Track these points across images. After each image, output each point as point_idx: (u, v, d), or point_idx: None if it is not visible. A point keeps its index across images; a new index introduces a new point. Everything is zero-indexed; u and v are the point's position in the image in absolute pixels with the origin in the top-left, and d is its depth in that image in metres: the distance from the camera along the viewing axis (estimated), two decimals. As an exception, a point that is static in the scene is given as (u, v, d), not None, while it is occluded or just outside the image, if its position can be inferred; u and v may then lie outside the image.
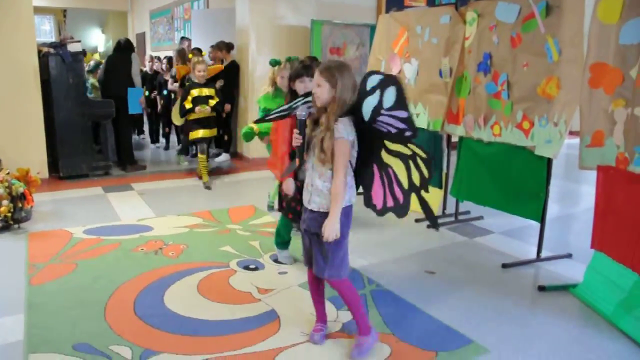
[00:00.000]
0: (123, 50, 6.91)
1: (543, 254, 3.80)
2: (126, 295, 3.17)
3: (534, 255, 3.81)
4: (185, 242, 4.09)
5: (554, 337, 2.77)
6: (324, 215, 2.40)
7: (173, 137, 8.55)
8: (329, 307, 3.04)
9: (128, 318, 2.89)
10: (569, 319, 2.94)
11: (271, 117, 2.83)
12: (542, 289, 3.31)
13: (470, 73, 4.08)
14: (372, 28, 6.64)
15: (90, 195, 5.58)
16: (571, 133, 3.80)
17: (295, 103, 2.70)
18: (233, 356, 2.55)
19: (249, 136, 4.35)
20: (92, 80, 6.96)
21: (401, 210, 2.45)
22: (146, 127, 9.12)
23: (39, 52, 5.98)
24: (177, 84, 7.41)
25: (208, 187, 5.96)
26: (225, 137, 7.49)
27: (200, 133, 5.94)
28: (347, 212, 2.45)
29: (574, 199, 5.87)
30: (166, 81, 7.75)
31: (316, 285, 2.70)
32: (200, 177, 6.18)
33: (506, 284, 3.42)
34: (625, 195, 2.89)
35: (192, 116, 5.90)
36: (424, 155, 2.35)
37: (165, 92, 7.78)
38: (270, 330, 2.79)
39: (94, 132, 6.68)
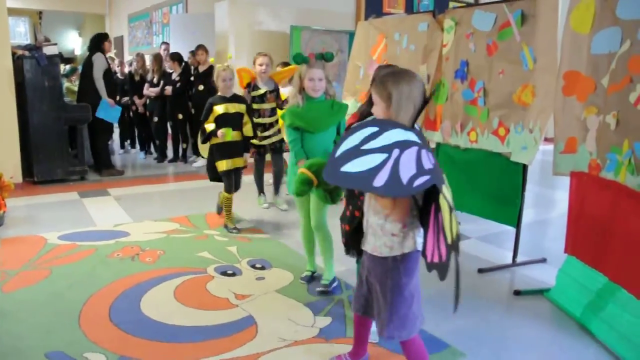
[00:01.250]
0: (90, 50, 6.69)
1: (518, 259, 3.85)
2: (102, 301, 3.12)
3: (509, 260, 3.86)
4: (162, 247, 4.05)
5: (529, 340, 2.80)
6: (382, 261, 2.04)
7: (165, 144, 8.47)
8: (306, 312, 3.05)
9: (103, 325, 2.85)
10: (543, 323, 2.98)
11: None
12: (517, 293, 3.35)
13: (448, 80, 4.12)
14: (351, 34, 6.68)
15: (65, 201, 5.50)
16: (546, 140, 3.86)
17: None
18: (210, 362, 2.53)
19: (305, 186, 2.88)
20: (67, 85, 6.88)
21: (442, 270, 1.78)
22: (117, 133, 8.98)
23: (14, 54, 5.89)
24: (154, 89, 7.36)
25: (235, 230, 4.51)
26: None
27: (224, 164, 4.42)
28: (415, 258, 2.05)
29: (548, 204, 5.96)
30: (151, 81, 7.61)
31: (363, 327, 2.39)
32: (225, 218, 4.63)
33: (482, 288, 3.46)
34: (597, 200, 2.95)
35: (215, 140, 4.39)
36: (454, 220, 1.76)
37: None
38: (248, 336, 2.78)
39: (70, 136, 6.59)
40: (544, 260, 3.92)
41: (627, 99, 2.70)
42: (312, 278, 3.47)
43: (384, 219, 2.02)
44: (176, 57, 7.36)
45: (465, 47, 3.92)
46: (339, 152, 1.72)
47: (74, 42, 17.81)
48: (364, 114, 2.53)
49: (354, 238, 2.37)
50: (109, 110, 6.61)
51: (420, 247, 2.00)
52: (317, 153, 3.17)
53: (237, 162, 4.46)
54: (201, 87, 7.17)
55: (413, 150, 1.75)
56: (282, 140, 5.05)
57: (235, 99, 4.45)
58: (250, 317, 2.98)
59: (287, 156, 4.48)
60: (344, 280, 3.49)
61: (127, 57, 10.87)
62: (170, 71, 7.45)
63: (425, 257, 1.92)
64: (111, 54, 9.50)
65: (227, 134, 4.32)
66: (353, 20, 7.78)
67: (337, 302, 3.18)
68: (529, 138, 3.43)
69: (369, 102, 2.34)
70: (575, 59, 3.07)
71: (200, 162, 7.41)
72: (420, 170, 1.74)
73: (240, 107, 4.43)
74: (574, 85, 3.08)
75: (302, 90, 3.19)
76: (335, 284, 3.35)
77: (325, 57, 3.24)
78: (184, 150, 7.75)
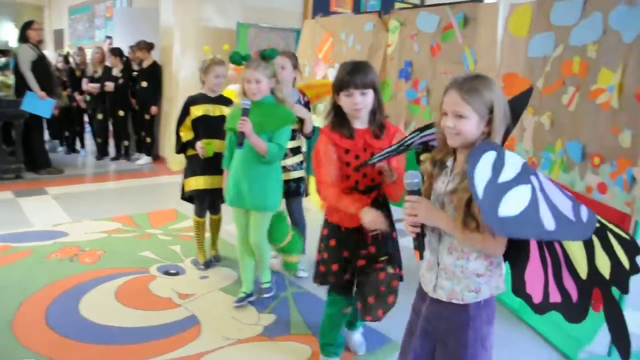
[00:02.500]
0: (18, 41, 6.35)
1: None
2: (37, 305, 3.00)
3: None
4: (102, 247, 3.93)
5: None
6: (457, 309, 1.64)
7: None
8: (250, 310, 3.03)
9: (38, 329, 2.74)
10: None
11: (374, 160, 2.04)
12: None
13: (392, 79, 4.19)
14: (298, 32, 6.69)
15: (-1, 200, 5.26)
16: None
17: (411, 138, 1.95)
18: (151, 364, 2.48)
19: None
20: (1, 78, 6.57)
21: (574, 312, 1.51)
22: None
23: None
24: (94, 84, 7.11)
25: (203, 267, 3.66)
26: (148, 140, 7.29)
27: (192, 183, 3.49)
28: (494, 300, 1.69)
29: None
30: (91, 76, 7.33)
31: None
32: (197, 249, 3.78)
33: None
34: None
35: (191, 152, 3.49)
36: (622, 234, 1.42)
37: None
38: (191, 336, 2.74)
39: (6, 132, 6.29)
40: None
41: (560, 101, 2.83)
42: (246, 299, 3.10)
43: (466, 257, 1.61)
44: (117, 53, 7.16)
45: (410, 48, 3.99)
46: (479, 192, 1.33)
47: (9, 34, 17.03)
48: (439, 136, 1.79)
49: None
50: (37, 103, 6.14)
51: (498, 291, 1.66)
52: (240, 159, 2.91)
53: (215, 181, 3.36)
54: (144, 84, 7.01)
55: (540, 174, 1.46)
56: (301, 179, 3.50)
57: (221, 100, 3.48)
58: (193, 317, 2.94)
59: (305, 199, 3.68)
60: (289, 277, 3.49)
61: (68, 51, 10.50)
62: (111, 67, 7.23)
63: (525, 298, 1.64)
64: (69, 49, 9.11)
65: (208, 149, 3.33)
66: (300, 18, 7.77)
67: (282, 299, 3.19)
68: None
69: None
70: (513, 61, 3.19)
71: (144, 160, 7.24)
72: (568, 196, 1.45)
73: (226, 111, 3.34)
74: (512, 86, 3.18)
75: (244, 91, 2.86)
76: (274, 280, 3.30)
77: (264, 56, 2.87)
78: (126, 148, 7.55)
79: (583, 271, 1.45)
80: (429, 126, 1.87)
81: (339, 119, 2.20)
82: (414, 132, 1.95)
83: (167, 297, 3.16)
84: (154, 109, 7.06)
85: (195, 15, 6.95)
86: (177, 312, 2.99)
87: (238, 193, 2.94)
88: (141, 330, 2.77)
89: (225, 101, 3.46)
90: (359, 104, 2.12)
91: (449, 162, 1.65)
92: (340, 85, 2.12)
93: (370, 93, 2.14)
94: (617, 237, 1.39)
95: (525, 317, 3.03)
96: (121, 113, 7.27)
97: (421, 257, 1.62)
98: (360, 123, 2.21)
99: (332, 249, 2.31)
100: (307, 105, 3.48)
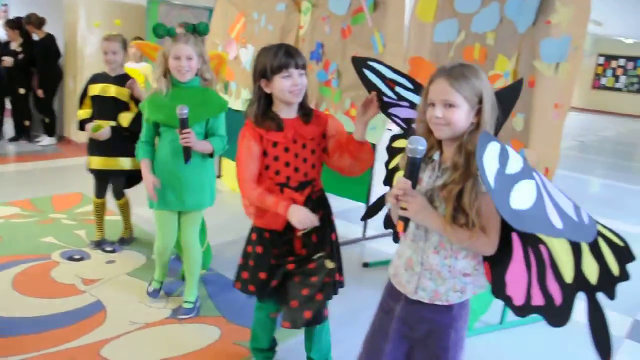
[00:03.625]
0: None
1: (368, 233, 4.08)
2: None
3: (360, 235, 4.07)
4: (-1, 233, 3.71)
5: (374, 306, 2.99)
6: (439, 310, 1.58)
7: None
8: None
9: None
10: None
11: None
12: (365, 265, 3.55)
13: (304, 61, 4.20)
14: (211, 11, 6.53)
15: None
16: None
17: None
18: (54, 353, 2.39)
19: None
20: None
21: (556, 315, 1.45)
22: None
23: None
24: (10, 59, 6.55)
25: (101, 248, 3.56)
26: (47, 120, 6.88)
27: (90, 161, 3.41)
28: (469, 302, 1.64)
29: (399, 182, 6.33)
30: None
31: None
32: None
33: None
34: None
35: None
36: (613, 238, 1.34)
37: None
38: (96, 322, 2.66)
39: None
40: (391, 234, 4.19)
41: (461, 85, 2.96)
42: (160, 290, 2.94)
43: (455, 256, 1.55)
44: (14, 25, 6.63)
45: (321, 30, 4.02)
46: (491, 180, 1.24)
47: None
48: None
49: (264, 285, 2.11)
50: None
51: (479, 290, 1.61)
52: (166, 156, 2.60)
53: (111, 162, 3.35)
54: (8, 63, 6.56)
55: (539, 172, 1.41)
56: None
57: (120, 80, 3.31)
58: (98, 302, 2.85)
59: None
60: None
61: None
62: (9, 40, 6.73)
63: (506, 299, 1.58)
64: None
65: (96, 128, 3.27)
66: (213, -5, 7.60)
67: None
68: (378, 119, 3.58)
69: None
70: (419, 46, 3.29)
71: (48, 141, 6.84)
72: (568, 198, 1.40)
73: (122, 92, 3.29)
74: (418, 70, 3.29)
75: (167, 72, 2.53)
76: (198, 304, 2.87)
77: (198, 30, 2.61)
78: (27, 128, 7.09)
79: (568, 275, 1.40)
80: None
81: (265, 109, 1.99)
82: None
83: (70, 284, 3.04)
84: (39, 92, 6.65)
85: (100, -11, 6.61)
86: (81, 299, 2.88)
87: (168, 194, 2.64)
88: (42, 319, 2.65)
89: (121, 81, 3.31)
90: (299, 85, 1.94)
91: (436, 156, 1.55)
92: (279, 66, 1.91)
93: (305, 75, 1.98)
94: (609, 243, 1.33)
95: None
96: (22, 91, 6.78)
97: (405, 229, 1.49)
98: (288, 112, 2.01)
99: (259, 256, 2.11)
100: None
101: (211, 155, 2.64)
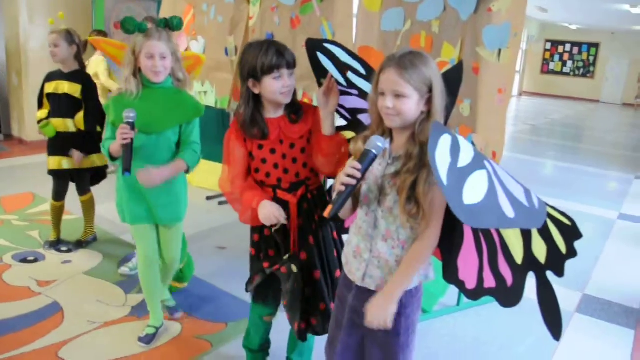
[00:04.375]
0: None
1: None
2: None
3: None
4: (-54, 238, 3.60)
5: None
6: None
7: None
8: (117, 291, 2.96)
9: None
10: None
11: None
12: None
13: (256, 52, 4.19)
14: (159, 3, 6.42)
15: None
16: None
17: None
18: (9, 358, 2.34)
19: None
20: None
21: (508, 296, 1.47)
22: None
23: None
24: None
25: (55, 249, 3.51)
26: None
27: (49, 162, 3.35)
28: (422, 291, 1.65)
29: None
30: None
31: None
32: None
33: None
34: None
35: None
36: (561, 218, 1.35)
37: None
38: (53, 324, 2.62)
39: None
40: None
41: (410, 73, 3.02)
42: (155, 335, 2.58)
43: (401, 246, 1.54)
44: None
45: (271, 20, 4.01)
46: (443, 178, 1.21)
47: None
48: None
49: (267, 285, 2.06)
50: None
51: (429, 278, 1.61)
52: (138, 163, 2.25)
53: (66, 160, 3.32)
54: None
55: (489, 159, 1.42)
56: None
57: (73, 76, 3.26)
58: (55, 304, 2.81)
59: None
60: (159, 256, 3.44)
61: None
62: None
63: (458, 284, 1.59)
64: None
65: (47, 131, 3.24)
66: (162, -13, 7.46)
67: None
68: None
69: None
70: (368, 35, 3.33)
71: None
72: (519, 182, 1.41)
73: (74, 89, 3.24)
74: (367, 58, 3.27)
75: (137, 72, 2.28)
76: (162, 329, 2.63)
77: (171, 25, 2.34)
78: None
79: (518, 256, 1.41)
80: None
81: (253, 112, 1.90)
82: None
83: (24, 286, 2.98)
84: None
85: (43, -18, 6.41)
86: (36, 301, 2.83)
87: (141, 207, 2.42)
88: (-5, 324, 2.60)
89: (75, 78, 3.27)
90: (289, 86, 1.87)
91: (386, 144, 1.52)
92: (270, 66, 1.82)
93: (293, 74, 1.92)
94: (557, 222, 1.34)
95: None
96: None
97: (331, 215, 1.43)
98: (275, 111, 1.94)
99: (252, 258, 2.10)
100: None
101: (187, 171, 2.39)
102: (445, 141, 1.30)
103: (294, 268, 1.96)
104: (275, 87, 1.84)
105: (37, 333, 2.54)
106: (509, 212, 1.26)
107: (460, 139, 1.38)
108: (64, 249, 3.49)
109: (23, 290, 2.94)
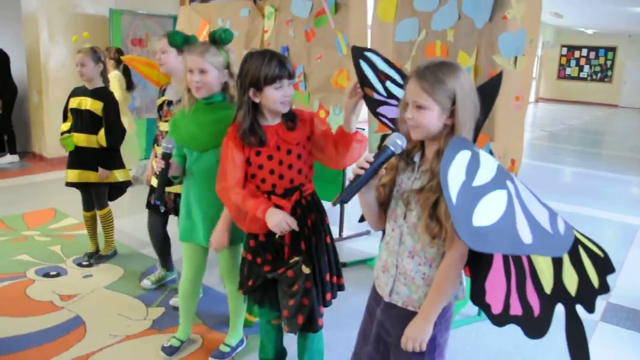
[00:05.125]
0: None
1: (344, 233, 4.13)
2: None
3: (336, 235, 4.12)
4: (-29, 254, 3.66)
5: (353, 306, 3.03)
6: (411, 317, 1.53)
7: None
8: (138, 305, 2.98)
9: None
10: (366, 289, 3.24)
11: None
12: (343, 265, 3.59)
13: (271, 65, 4.22)
14: (175, 19, 6.51)
15: None
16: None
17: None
18: (33, 371, 2.38)
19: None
20: None
21: (534, 327, 1.38)
22: None
23: None
24: None
25: (87, 262, 3.57)
26: (6, 137, 6.76)
27: (67, 175, 3.44)
28: (451, 306, 1.59)
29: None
30: None
31: None
32: None
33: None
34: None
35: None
36: (593, 248, 1.25)
37: None
38: (76, 338, 2.65)
39: None
40: (367, 233, 4.25)
41: (426, 83, 3.02)
42: (177, 351, 2.56)
43: (429, 264, 1.50)
44: None
45: (285, 33, 4.05)
46: (453, 196, 1.18)
47: None
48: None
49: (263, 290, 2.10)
50: None
51: (460, 299, 1.56)
52: (197, 182, 2.30)
53: (86, 175, 3.40)
54: None
55: (515, 178, 1.34)
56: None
57: (96, 93, 3.32)
58: (77, 318, 2.84)
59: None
60: (178, 270, 3.45)
61: None
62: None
63: (484, 307, 1.52)
64: None
65: (67, 144, 3.32)
66: (177, 3, 7.56)
67: (170, 291, 3.16)
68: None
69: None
70: (382, 46, 3.34)
71: (9, 159, 6.70)
72: (544, 205, 1.32)
73: (95, 106, 3.30)
74: (382, 70, 3.34)
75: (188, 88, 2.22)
76: (240, 347, 2.61)
77: (218, 38, 2.21)
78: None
79: (548, 285, 1.33)
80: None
81: (252, 121, 1.94)
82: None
83: (47, 301, 3.02)
84: None
85: (61, 1, 6.54)
86: (59, 315, 2.86)
87: (190, 224, 2.37)
88: (19, 339, 2.63)
89: (98, 95, 3.33)
90: (289, 96, 1.92)
91: (417, 157, 1.51)
92: (273, 77, 1.86)
93: (292, 84, 1.96)
94: (589, 252, 1.25)
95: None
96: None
97: (335, 202, 1.43)
98: (272, 119, 1.98)
99: (248, 263, 2.11)
100: None
101: None
102: (462, 158, 1.26)
103: (305, 269, 1.99)
104: (277, 97, 1.89)
105: (61, 347, 2.57)
106: (526, 237, 1.21)
107: (483, 156, 1.33)
108: (84, 263, 3.52)
109: (46, 305, 2.97)
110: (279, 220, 1.88)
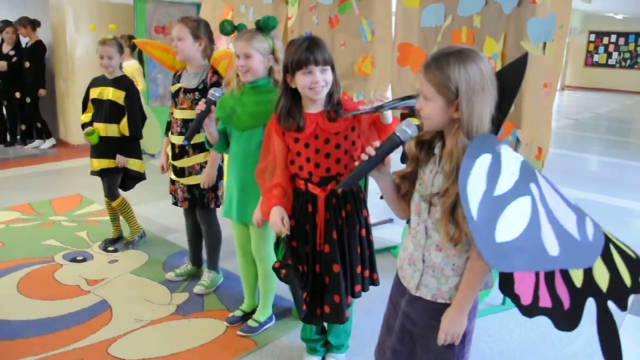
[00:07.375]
0: None
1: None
2: None
3: (359, 223, 4.10)
4: (1, 239, 3.73)
5: (378, 294, 3.02)
6: (442, 308, 1.49)
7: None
8: (163, 290, 3.02)
9: None
10: (390, 277, 3.23)
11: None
12: (366, 252, 3.58)
13: (295, 52, 4.21)
14: (199, 6, 6.52)
15: None
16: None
17: (393, 104, 1.89)
18: (62, 354, 2.42)
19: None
20: None
21: (565, 320, 1.35)
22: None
23: None
24: (3, 63, 6.52)
25: (113, 249, 3.62)
26: (38, 125, 6.89)
27: (93, 164, 3.48)
28: (478, 298, 1.56)
29: (392, 168, 6.36)
30: None
31: None
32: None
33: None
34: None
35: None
36: (627, 251, 1.24)
37: None
38: (102, 321, 2.70)
39: None
40: (391, 221, 4.23)
41: (451, 69, 2.98)
42: (243, 319, 2.70)
43: (458, 255, 1.45)
44: (32, 24, 6.60)
45: (309, 20, 4.03)
46: (473, 211, 1.10)
47: None
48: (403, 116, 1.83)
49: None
50: None
51: (488, 288, 1.53)
52: (235, 160, 2.44)
53: (104, 162, 3.43)
54: (27, 64, 6.58)
55: (539, 176, 1.27)
56: (208, 189, 2.91)
57: (116, 83, 3.35)
58: (104, 302, 2.89)
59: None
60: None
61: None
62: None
63: (513, 297, 1.50)
64: None
65: (92, 139, 3.36)
66: (201, -9, 7.57)
67: (195, 277, 3.18)
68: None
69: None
70: (407, 32, 3.30)
71: (48, 143, 6.85)
72: (571, 206, 1.27)
73: (117, 95, 3.34)
74: (407, 56, 3.31)
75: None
76: (269, 324, 2.68)
77: (263, 25, 2.32)
78: (23, 132, 7.08)
79: (578, 279, 1.29)
80: (410, 96, 1.69)
81: (290, 105, 1.99)
82: (394, 100, 1.89)
83: (74, 285, 3.08)
84: (41, 92, 6.65)
85: (87, -10, 6.60)
86: (86, 299, 2.92)
87: (229, 201, 2.52)
88: (48, 321, 2.68)
89: (119, 84, 3.36)
90: (319, 82, 1.92)
91: (437, 149, 1.45)
92: (299, 62, 1.89)
93: (329, 70, 1.96)
94: (621, 252, 1.22)
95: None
96: (18, 95, 6.74)
97: (336, 188, 1.45)
98: (314, 106, 2.00)
99: (292, 249, 2.14)
100: (216, 85, 2.72)
101: None
102: (482, 164, 1.18)
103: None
104: (305, 83, 1.92)
105: (88, 330, 2.62)
106: (553, 248, 1.14)
107: (505, 155, 1.25)
108: (110, 248, 3.58)
109: (74, 289, 3.03)
110: (274, 220, 2.01)
